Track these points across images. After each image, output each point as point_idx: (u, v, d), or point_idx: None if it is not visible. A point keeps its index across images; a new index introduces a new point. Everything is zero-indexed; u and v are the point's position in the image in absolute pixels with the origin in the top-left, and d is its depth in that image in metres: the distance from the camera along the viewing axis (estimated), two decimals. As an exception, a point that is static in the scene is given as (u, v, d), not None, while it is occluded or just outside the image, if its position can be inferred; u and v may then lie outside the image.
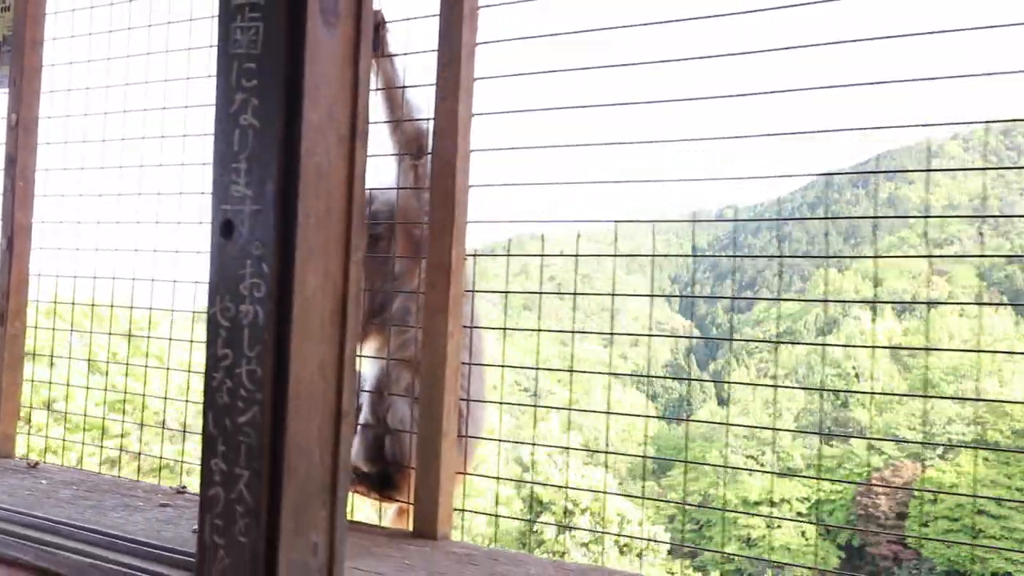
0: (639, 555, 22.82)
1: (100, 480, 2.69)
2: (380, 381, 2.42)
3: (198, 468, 1.42)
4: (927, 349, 24.47)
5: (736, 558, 33.38)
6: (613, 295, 2.43)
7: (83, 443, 3.04)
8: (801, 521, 34.53)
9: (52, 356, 3.12)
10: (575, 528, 22.05)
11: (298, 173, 1.65)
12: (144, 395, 3.02)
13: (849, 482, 32.27)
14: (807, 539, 35.12)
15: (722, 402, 44.99)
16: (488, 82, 2.33)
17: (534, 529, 22.54)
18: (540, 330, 2.49)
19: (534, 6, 2.38)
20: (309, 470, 1.68)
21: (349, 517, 2.47)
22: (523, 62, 2.42)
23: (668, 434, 41.40)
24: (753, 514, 32.72)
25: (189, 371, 2.72)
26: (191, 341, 2.72)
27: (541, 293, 2.30)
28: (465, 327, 2.26)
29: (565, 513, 23.03)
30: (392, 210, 2.44)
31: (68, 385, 3.09)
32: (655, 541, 22.34)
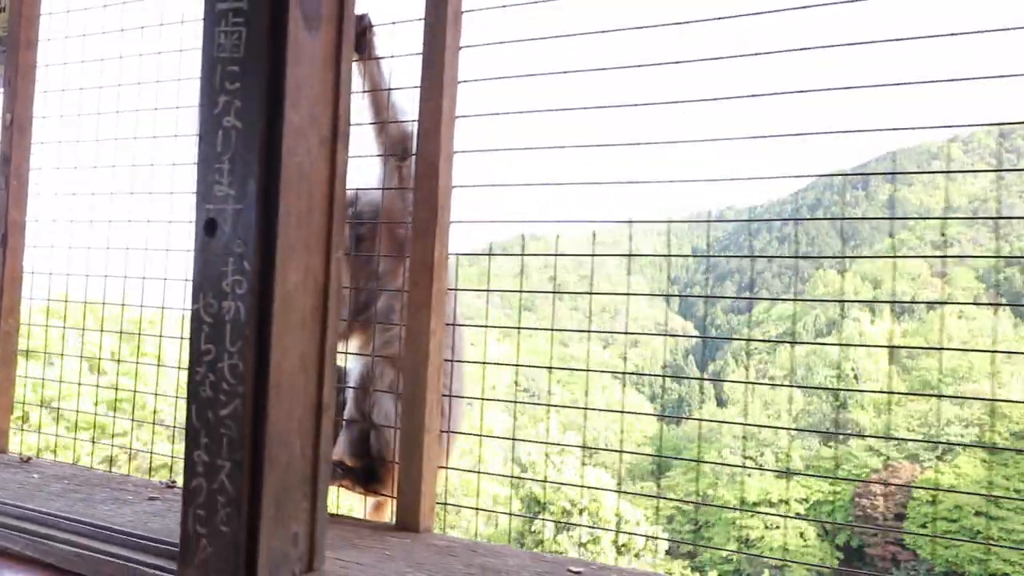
0: (637, 555, 22.85)
1: (92, 475, 2.73)
2: (365, 378, 2.46)
3: (180, 459, 1.46)
4: (926, 349, 24.48)
5: (735, 559, 33.39)
6: (612, 295, 2.48)
7: (75, 438, 3.09)
8: (805, 519, 34.55)
9: (45, 353, 3.16)
10: (569, 524, 22.08)
11: (279, 173, 1.70)
12: (135, 391, 3.06)
13: (850, 479, 32.22)
14: (806, 540, 35.17)
15: (721, 403, 45.03)
16: (474, 84, 2.38)
17: (532, 529, 22.58)
18: (524, 327, 2.53)
19: (518, 10, 2.43)
20: (290, 462, 1.73)
21: (334, 511, 2.52)
22: (508, 64, 2.47)
23: (667, 435, 41.40)
24: (754, 511, 32.71)
25: (179, 368, 2.76)
26: (182, 338, 2.77)
27: (522, 292, 2.34)
28: (447, 325, 2.30)
29: (563, 513, 23.05)
30: (377, 210, 2.48)
31: (61, 382, 3.13)
32: (652, 538, 22.37)
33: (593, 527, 21.73)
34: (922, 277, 46.07)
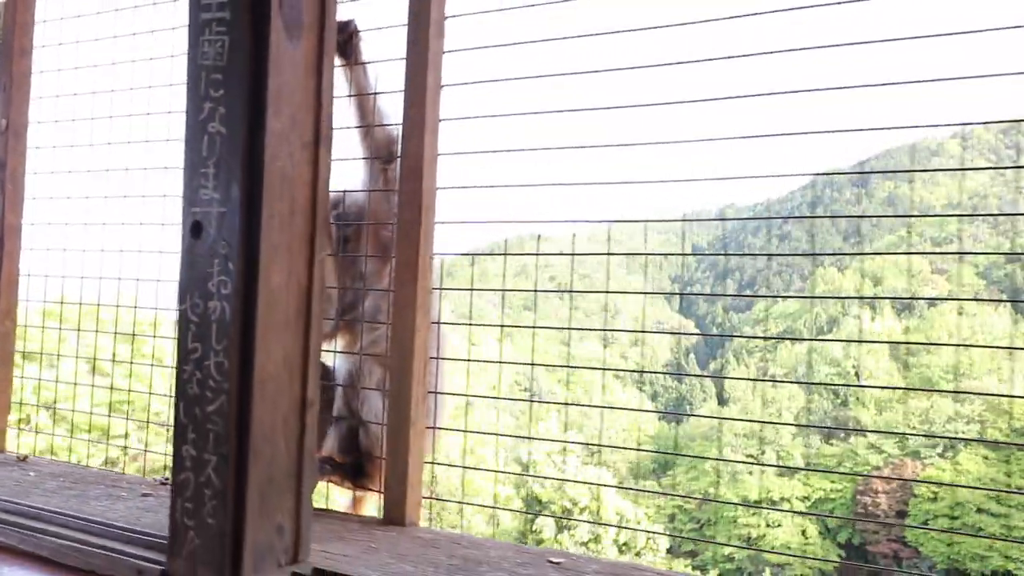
0: (638, 554, 22.89)
1: (87, 472, 2.79)
2: (353, 376, 2.52)
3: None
4: (927, 344, 24.54)
5: (736, 558, 33.45)
6: (597, 292, 2.53)
7: (68, 437, 3.14)
8: (810, 514, 34.58)
9: (41, 354, 3.22)
10: (565, 519, 22.14)
11: (262, 177, 1.76)
12: (129, 390, 3.12)
13: (850, 473, 32.26)
14: (807, 538, 35.20)
15: (722, 401, 45.06)
16: (457, 89, 2.43)
17: (533, 529, 22.63)
18: (507, 325, 2.59)
19: (500, 16, 2.49)
20: (275, 456, 1.79)
21: (324, 506, 2.58)
22: (491, 69, 2.52)
23: (668, 433, 41.45)
24: (758, 507, 32.75)
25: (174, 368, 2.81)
26: (176, 339, 2.82)
27: (504, 291, 2.40)
28: (432, 323, 2.36)
29: (563, 511, 23.10)
30: (363, 212, 2.54)
31: (57, 382, 3.19)
32: (651, 532, 22.42)
33: (591, 522, 21.79)
34: (922, 274, 46.09)
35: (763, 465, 35.44)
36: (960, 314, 37.94)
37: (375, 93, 2.55)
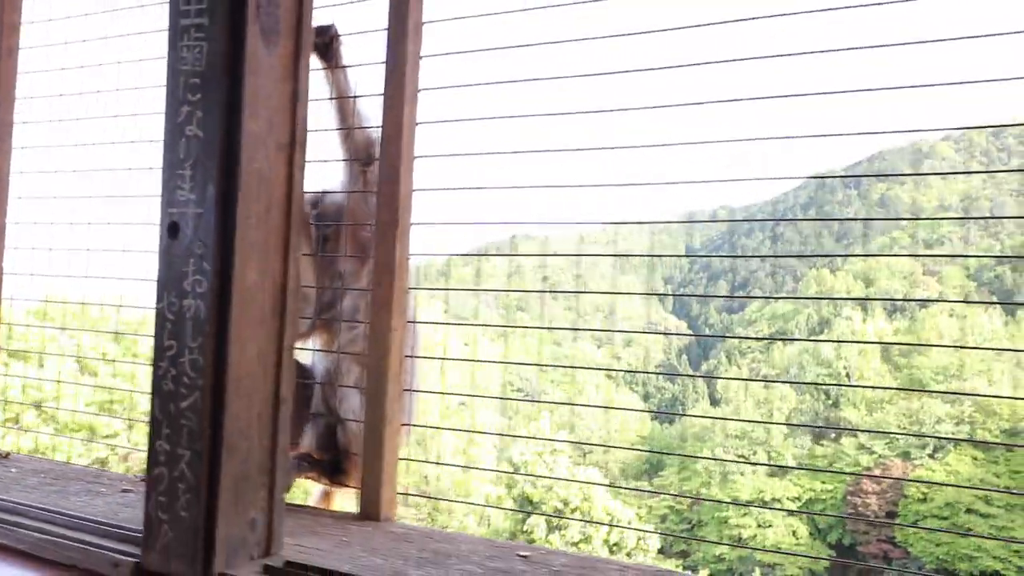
0: (628, 555, 22.95)
1: (68, 469, 2.83)
2: (331, 373, 2.56)
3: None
4: (918, 345, 24.67)
5: (727, 558, 33.56)
6: (576, 292, 2.58)
7: (51, 434, 3.18)
8: (803, 513, 34.72)
9: (26, 353, 3.25)
10: (553, 516, 22.20)
11: (238, 178, 1.81)
12: (111, 388, 3.15)
13: (841, 473, 32.39)
14: (798, 538, 35.35)
15: (715, 402, 45.19)
16: (435, 92, 2.48)
17: (524, 529, 22.66)
18: (483, 324, 2.63)
19: (477, 21, 2.53)
20: (248, 452, 1.83)
21: (301, 502, 2.62)
22: (468, 73, 2.57)
23: (661, 434, 41.57)
24: (749, 505, 32.87)
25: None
26: (153, 336, 2.86)
27: (479, 290, 2.44)
28: (408, 322, 2.40)
29: (554, 511, 23.14)
30: (342, 213, 2.58)
31: (40, 380, 3.22)
32: (642, 531, 22.49)
33: (584, 520, 21.84)
34: (914, 275, 46.30)
35: (754, 464, 35.52)
36: (951, 315, 38.15)
37: (355, 96, 2.59)
